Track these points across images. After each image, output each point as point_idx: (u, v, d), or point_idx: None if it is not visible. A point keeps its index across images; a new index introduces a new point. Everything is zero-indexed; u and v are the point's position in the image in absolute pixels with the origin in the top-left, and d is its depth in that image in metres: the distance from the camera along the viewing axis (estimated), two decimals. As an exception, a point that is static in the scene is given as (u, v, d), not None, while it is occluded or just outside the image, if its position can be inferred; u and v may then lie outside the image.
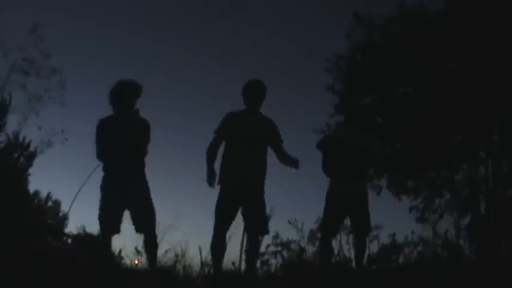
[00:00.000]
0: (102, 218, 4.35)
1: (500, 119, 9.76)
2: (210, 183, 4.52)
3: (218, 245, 4.45)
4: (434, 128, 9.62)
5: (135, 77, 4.64)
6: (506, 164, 10.00)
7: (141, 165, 4.50)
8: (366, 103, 10.69)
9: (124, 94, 4.54)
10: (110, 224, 4.34)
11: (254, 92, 4.64)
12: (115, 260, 4.41)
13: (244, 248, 4.80)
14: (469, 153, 10.27)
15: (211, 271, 4.58)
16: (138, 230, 4.41)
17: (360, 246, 4.79)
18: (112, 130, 4.46)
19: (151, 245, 4.42)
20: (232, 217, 4.50)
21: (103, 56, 16.69)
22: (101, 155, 4.48)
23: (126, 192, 4.32)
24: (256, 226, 4.51)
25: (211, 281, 4.43)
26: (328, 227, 4.86)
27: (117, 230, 4.38)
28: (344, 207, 4.78)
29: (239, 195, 4.46)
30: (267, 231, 4.57)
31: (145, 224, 4.38)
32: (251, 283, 4.39)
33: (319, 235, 5.11)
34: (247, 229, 4.56)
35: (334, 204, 4.82)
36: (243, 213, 4.50)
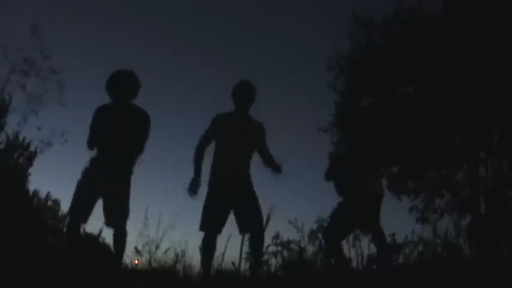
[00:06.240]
0: (73, 206, 4.30)
1: (500, 119, 9.76)
2: (192, 191, 4.43)
3: (208, 245, 4.37)
4: (434, 128, 9.62)
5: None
6: (506, 164, 10.01)
7: (128, 165, 4.38)
8: (365, 103, 10.72)
9: (119, 84, 4.44)
10: (79, 213, 4.29)
11: (243, 94, 4.64)
12: (115, 260, 4.38)
13: (242, 248, 4.75)
14: (469, 153, 10.27)
15: (201, 272, 4.48)
16: (107, 224, 4.36)
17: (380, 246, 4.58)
18: (104, 120, 4.38)
19: (119, 240, 4.34)
20: (222, 216, 4.41)
21: (103, 56, 16.70)
22: (89, 144, 4.40)
23: (104, 187, 4.26)
24: (252, 223, 4.37)
25: (202, 281, 4.36)
26: (342, 231, 4.69)
27: (84, 220, 4.32)
28: (361, 209, 4.59)
29: (229, 195, 4.40)
30: (261, 228, 4.38)
31: (116, 220, 4.33)
32: (252, 283, 4.37)
33: (324, 239, 4.86)
34: (242, 229, 4.42)
35: (356, 205, 4.61)
36: (235, 214, 4.42)
